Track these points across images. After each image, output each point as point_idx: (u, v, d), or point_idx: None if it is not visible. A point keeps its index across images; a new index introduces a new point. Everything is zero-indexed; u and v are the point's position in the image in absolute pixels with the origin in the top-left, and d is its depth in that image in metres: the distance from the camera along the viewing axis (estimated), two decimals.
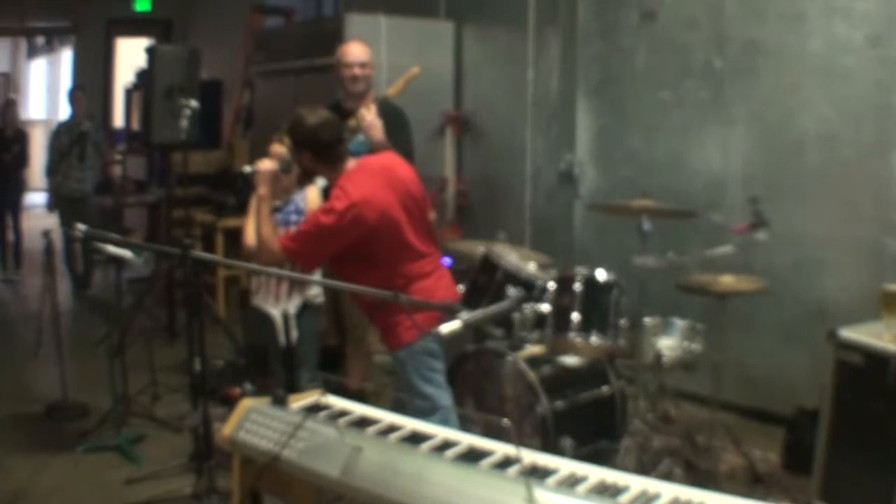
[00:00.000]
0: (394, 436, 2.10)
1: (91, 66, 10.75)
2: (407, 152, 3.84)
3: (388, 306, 3.12)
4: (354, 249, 3.09)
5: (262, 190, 3.26)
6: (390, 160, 3.36)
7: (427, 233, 3.33)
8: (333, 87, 4.33)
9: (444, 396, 3.22)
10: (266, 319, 3.73)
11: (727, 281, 3.72)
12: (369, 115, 3.72)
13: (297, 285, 3.67)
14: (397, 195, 3.17)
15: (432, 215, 3.58)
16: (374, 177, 3.17)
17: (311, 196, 3.71)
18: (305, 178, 3.37)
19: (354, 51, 4.21)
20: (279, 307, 3.70)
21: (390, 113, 4.00)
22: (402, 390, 3.25)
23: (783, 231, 4.13)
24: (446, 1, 6.22)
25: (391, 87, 4.08)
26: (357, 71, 4.17)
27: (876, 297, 3.37)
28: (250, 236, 3.45)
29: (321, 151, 3.16)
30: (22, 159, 8.60)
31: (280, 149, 3.53)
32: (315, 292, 3.79)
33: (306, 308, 3.74)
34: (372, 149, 3.69)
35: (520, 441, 1.81)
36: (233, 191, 6.85)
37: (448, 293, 3.29)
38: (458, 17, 6.15)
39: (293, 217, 3.66)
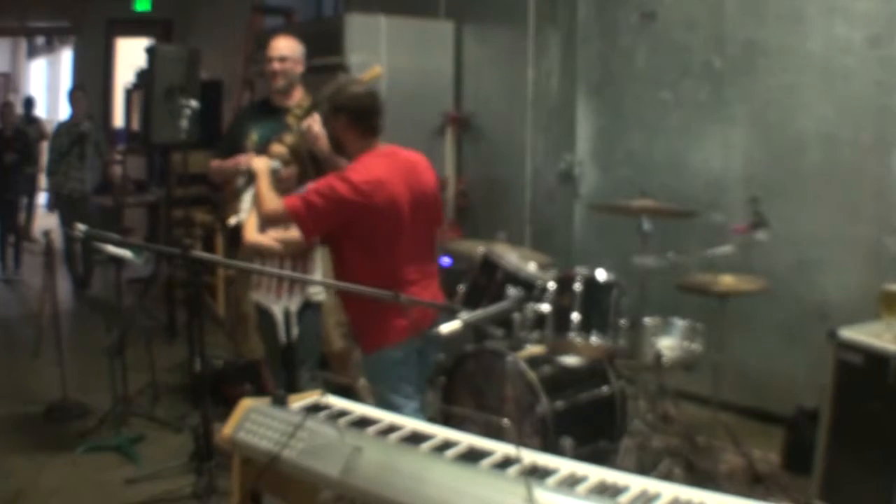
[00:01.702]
0: (394, 436, 2.10)
1: (91, 66, 10.74)
2: None
3: (365, 307, 3.07)
4: (350, 233, 3.04)
5: (263, 182, 3.27)
6: (418, 160, 3.26)
7: (427, 242, 3.24)
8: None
9: (408, 406, 3.10)
10: (264, 314, 3.71)
11: (727, 281, 3.72)
12: (316, 126, 3.52)
13: (299, 282, 3.65)
14: (412, 193, 3.10)
15: (442, 229, 3.51)
16: (396, 166, 3.10)
17: None
18: (335, 149, 3.24)
19: (277, 45, 4.04)
20: (280, 304, 3.69)
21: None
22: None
23: (783, 231, 4.13)
24: (446, 1, 6.22)
25: None
26: (276, 66, 4.01)
27: (876, 297, 3.37)
28: (251, 231, 3.46)
29: (358, 118, 3.09)
30: (26, 159, 8.62)
31: (279, 148, 3.53)
32: (315, 289, 3.77)
33: (308, 306, 3.71)
34: (320, 160, 3.56)
35: (520, 441, 1.81)
36: None
37: (428, 310, 3.12)
38: (458, 17, 6.14)
39: None
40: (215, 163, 4.15)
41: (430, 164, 3.30)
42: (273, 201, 3.14)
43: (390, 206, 3.02)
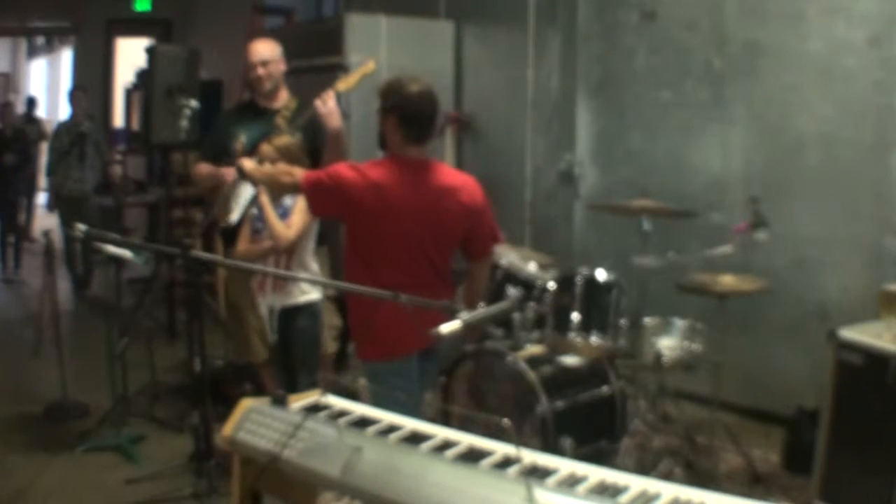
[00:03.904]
0: (394, 436, 2.10)
1: (91, 66, 10.74)
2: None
3: (362, 315, 3.00)
4: (349, 233, 2.99)
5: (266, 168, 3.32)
6: (454, 187, 3.00)
7: (432, 266, 2.99)
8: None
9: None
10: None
11: (727, 281, 3.72)
12: (330, 102, 3.52)
13: (280, 282, 3.62)
14: (419, 211, 2.91)
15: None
16: (418, 184, 2.91)
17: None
18: (380, 145, 3.07)
19: (258, 50, 4.05)
20: (265, 301, 3.67)
21: (312, 118, 3.72)
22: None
23: (783, 231, 4.13)
24: (446, 1, 6.22)
25: (341, 81, 3.70)
26: (260, 71, 4.03)
27: (876, 297, 3.37)
28: (243, 241, 3.50)
29: (408, 123, 2.91)
30: (25, 160, 8.62)
31: (269, 149, 3.53)
32: (301, 291, 3.70)
33: (301, 309, 3.67)
34: (327, 136, 3.59)
35: (520, 441, 1.81)
36: None
37: (415, 339, 2.79)
38: (458, 17, 6.14)
39: (288, 202, 3.61)
40: (202, 167, 4.12)
41: (474, 192, 3.04)
42: (288, 176, 3.07)
43: (385, 211, 2.88)
